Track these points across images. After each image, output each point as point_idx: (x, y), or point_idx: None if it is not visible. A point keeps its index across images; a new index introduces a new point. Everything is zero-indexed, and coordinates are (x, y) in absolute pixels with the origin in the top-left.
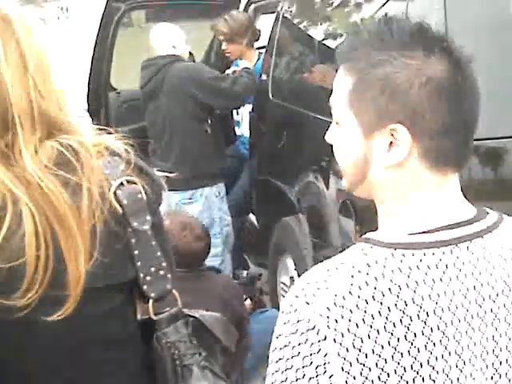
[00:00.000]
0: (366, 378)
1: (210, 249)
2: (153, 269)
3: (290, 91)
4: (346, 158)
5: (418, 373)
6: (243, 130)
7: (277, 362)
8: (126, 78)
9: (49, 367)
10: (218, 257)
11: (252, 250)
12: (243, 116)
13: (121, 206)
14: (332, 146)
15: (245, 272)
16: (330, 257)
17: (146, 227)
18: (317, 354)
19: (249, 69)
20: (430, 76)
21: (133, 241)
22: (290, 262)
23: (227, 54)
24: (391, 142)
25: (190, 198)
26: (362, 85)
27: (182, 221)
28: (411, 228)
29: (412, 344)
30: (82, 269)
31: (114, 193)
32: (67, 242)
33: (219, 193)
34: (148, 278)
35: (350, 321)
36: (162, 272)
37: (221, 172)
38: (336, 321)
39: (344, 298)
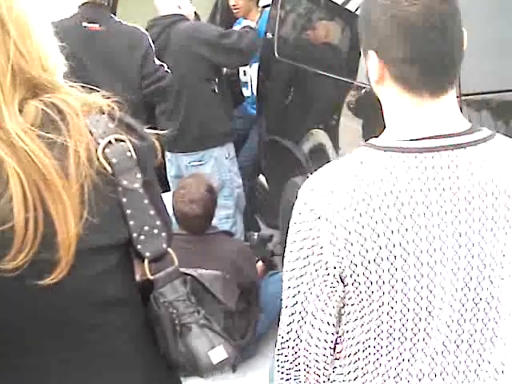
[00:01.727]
0: (349, 251)
1: (210, 214)
2: (146, 228)
3: (295, 49)
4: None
5: (391, 252)
6: (251, 91)
7: (292, 241)
8: None
9: (45, 331)
10: (229, 219)
11: (263, 212)
12: (251, 77)
13: (109, 164)
14: (338, 104)
15: (256, 234)
16: None
17: (137, 185)
18: (311, 231)
19: (251, 27)
20: (394, 14)
21: (124, 200)
22: None
23: (235, 10)
24: (374, 64)
25: (200, 160)
26: (359, 18)
27: (185, 180)
28: (401, 136)
29: (388, 227)
30: (73, 231)
31: (102, 151)
32: (55, 204)
33: (229, 154)
34: (142, 237)
35: (340, 204)
36: (155, 231)
37: (230, 133)
38: (329, 204)
39: (338, 187)
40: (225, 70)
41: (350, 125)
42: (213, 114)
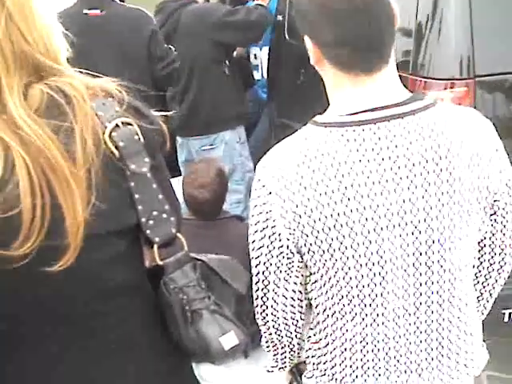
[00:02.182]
0: (299, 223)
1: (221, 198)
2: (155, 213)
3: None
4: None
5: (337, 221)
6: (261, 74)
7: (252, 214)
8: None
9: (55, 319)
10: (240, 203)
11: None
12: (262, 60)
13: (117, 148)
14: None
15: None
16: None
17: (145, 170)
18: (264, 205)
19: (261, 5)
20: (323, 2)
21: (132, 184)
22: None
23: None
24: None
25: (211, 145)
26: (293, 6)
27: (195, 165)
28: (340, 111)
29: (331, 198)
30: (81, 216)
31: (109, 135)
32: (62, 189)
33: (240, 138)
34: (151, 222)
35: (286, 180)
36: (164, 215)
37: (241, 116)
38: (278, 180)
39: (284, 163)
40: (235, 52)
41: None
42: (224, 97)
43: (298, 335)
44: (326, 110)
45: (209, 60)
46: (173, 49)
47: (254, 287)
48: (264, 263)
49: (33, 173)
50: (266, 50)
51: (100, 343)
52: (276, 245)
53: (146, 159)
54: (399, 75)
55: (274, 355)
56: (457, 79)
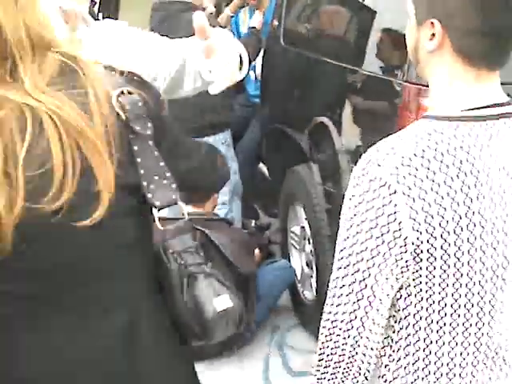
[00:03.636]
0: (429, 224)
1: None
2: (156, 177)
3: (301, 36)
4: (407, 44)
5: (471, 220)
6: (255, 78)
7: (351, 218)
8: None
9: (78, 275)
10: (225, 205)
11: (262, 200)
12: (255, 65)
13: (124, 111)
14: (343, 93)
15: (253, 221)
16: (341, 205)
17: (149, 132)
18: (388, 206)
19: (255, 28)
20: None
21: (135, 148)
22: (300, 212)
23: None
24: (433, 34)
25: None
26: None
27: None
28: (461, 106)
29: (467, 195)
30: (111, 170)
31: (116, 100)
32: (86, 145)
33: (225, 140)
34: (152, 186)
35: (415, 177)
36: (165, 181)
37: (225, 124)
38: (404, 177)
39: (410, 159)
40: None
41: (354, 113)
42: (209, 105)
43: (375, 353)
44: (322, 115)
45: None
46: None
47: (350, 307)
48: (375, 275)
49: (62, 130)
50: (260, 54)
51: (108, 302)
52: (394, 252)
53: (149, 125)
54: None
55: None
56: None
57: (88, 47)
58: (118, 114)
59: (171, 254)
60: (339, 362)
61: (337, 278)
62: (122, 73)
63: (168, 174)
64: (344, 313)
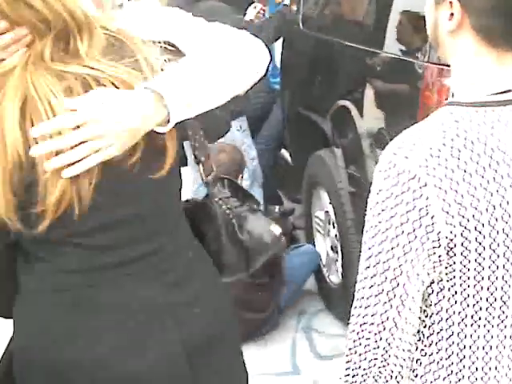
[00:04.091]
0: (463, 216)
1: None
2: (197, 136)
3: (320, 20)
4: (427, 24)
5: (505, 210)
6: (274, 64)
7: (379, 214)
8: None
9: (155, 220)
10: None
11: (286, 186)
12: (275, 50)
13: None
14: (364, 76)
15: (277, 207)
16: (365, 189)
17: None
18: (419, 199)
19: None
20: None
21: None
22: (324, 196)
23: None
24: (452, 14)
25: None
26: None
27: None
28: (486, 90)
29: (500, 184)
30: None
31: (161, 68)
32: None
33: (241, 127)
34: (197, 144)
35: (446, 168)
36: (202, 139)
37: (242, 108)
38: (434, 169)
39: (439, 150)
40: None
41: (376, 96)
42: None
43: (409, 355)
44: (344, 98)
45: None
46: None
47: (380, 308)
48: (407, 272)
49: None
50: (279, 39)
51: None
52: (427, 247)
53: None
54: None
55: None
56: None
57: (124, 25)
58: None
59: (216, 202)
60: (369, 367)
61: (365, 278)
62: (158, 44)
63: (202, 133)
64: (374, 314)
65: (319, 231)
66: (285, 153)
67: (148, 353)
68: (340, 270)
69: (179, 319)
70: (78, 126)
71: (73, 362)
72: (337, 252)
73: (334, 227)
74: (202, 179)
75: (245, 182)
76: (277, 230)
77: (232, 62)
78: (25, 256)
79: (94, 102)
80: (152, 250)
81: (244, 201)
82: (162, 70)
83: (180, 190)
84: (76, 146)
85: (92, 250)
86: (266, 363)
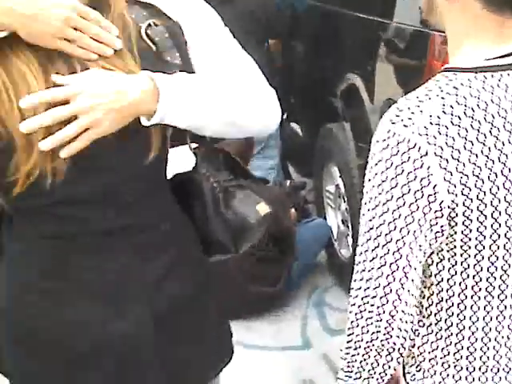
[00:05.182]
0: (465, 185)
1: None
2: None
3: None
4: None
5: (507, 178)
6: None
7: (379, 185)
8: None
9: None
10: (273, 169)
11: (296, 160)
12: None
13: (153, 43)
14: (371, 47)
15: (288, 181)
16: None
17: (177, 61)
18: (420, 169)
19: None
20: None
21: None
22: (335, 170)
23: None
24: None
25: None
26: None
27: None
28: (486, 55)
29: (501, 151)
30: None
31: (145, 32)
32: None
33: None
34: None
35: (447, 136)
36: None
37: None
38: (434, 137)
39: (439, 117)
40: None
41: (385, 68)
42: None
43: (411, 326)
44: (351, 71)
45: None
46: None
47: (384, 281)
48: (410, 243)
49: None
50: None
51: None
52: (429, 217)
53: (177, 54)
54: None
55: (372, 364)
56: None
57: None
58: (149, 46)
59: (203, 174)
60: (372, 340)
61: (365, 250)
62: (145, 6)
63: None
64: (377, 287)
65: (330, 205)
66: (295, 126)
67: (119, 320)
68: (351, 243)
69: (151, 290)
70: (68, 102)
71: (47, 325)
72: (347, 226)
73: (344, 201)
74: (189, 147)
75: (271, 161)
76: (264, 209)
77: (237, 97)
78: (8, 220)
79: (87, 79)
80: (127, 222)
81: (237, 177)
82: (146, 33)
83: (161, 161)
84: (64, 123)
85: (67, 220)
86: (277, 338)
